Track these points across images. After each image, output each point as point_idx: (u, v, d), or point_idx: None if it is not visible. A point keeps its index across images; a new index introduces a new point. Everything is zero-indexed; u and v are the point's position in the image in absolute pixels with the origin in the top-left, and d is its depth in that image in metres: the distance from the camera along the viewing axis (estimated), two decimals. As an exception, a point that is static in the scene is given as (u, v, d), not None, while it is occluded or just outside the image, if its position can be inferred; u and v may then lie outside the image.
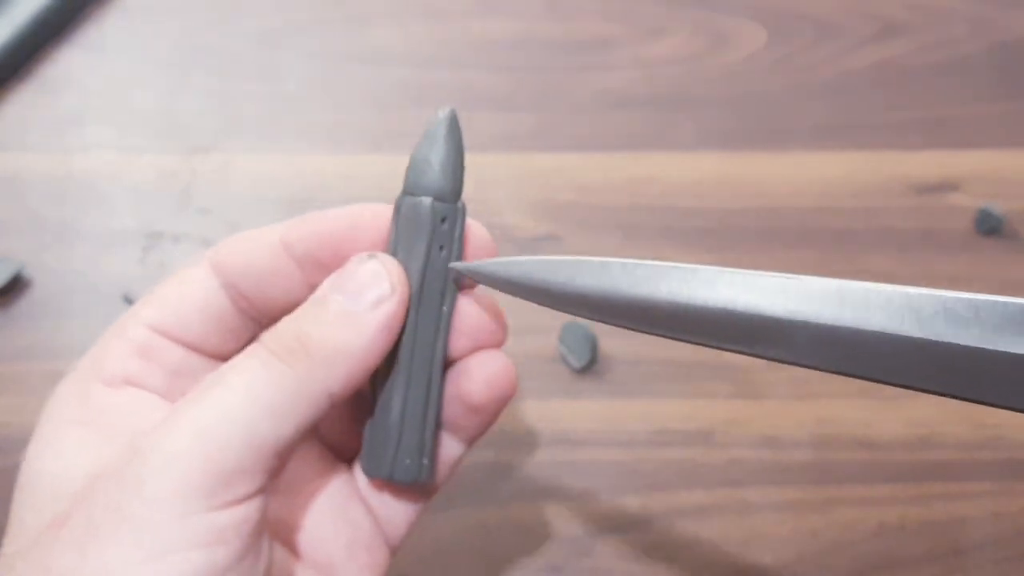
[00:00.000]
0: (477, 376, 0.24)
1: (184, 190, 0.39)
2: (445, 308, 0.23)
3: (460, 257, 0.24)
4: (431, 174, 0.23)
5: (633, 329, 0.21)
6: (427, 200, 0.23)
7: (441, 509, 0.34)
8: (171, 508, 0.19)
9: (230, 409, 0.20)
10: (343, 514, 0.25)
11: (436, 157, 0.23)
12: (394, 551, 0.25)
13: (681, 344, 0.21)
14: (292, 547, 0.24)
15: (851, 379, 0.19)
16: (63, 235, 0.39)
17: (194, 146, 0.40)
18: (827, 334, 0.19)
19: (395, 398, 0.23)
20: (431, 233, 0.23)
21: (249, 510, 0.20)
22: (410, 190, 0.23)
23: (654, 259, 0.21)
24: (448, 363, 0.24)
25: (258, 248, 0.24)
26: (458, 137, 0.23)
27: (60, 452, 0.22)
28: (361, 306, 0.22)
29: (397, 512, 0.25)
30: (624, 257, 0.21)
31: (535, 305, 0.23)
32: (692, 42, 0.43)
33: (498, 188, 0.39)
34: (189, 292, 0.24)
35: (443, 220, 0.23)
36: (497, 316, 0.24)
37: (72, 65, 0.42)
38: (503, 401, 0.24)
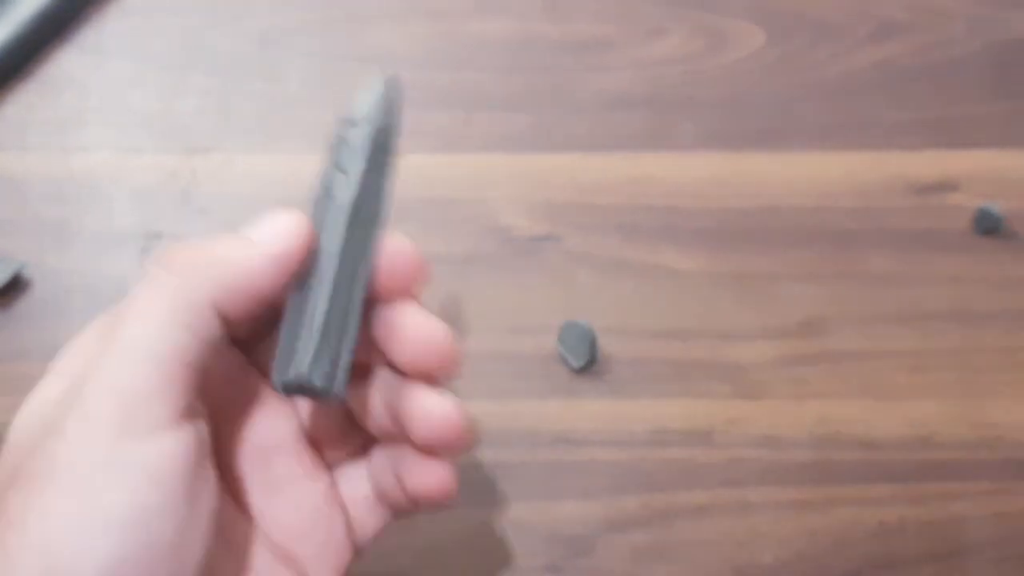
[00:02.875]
0: (412, 336, 0.24)
1: (184, 190, 0.39)
2: (375, 231, 0.24)
3: (391, 175, 0.25)
4: (368, 103, 0.25)
5: None
6: (364, 126, 0.25)
7: (441, 509, 0.34)
8: (95, 448, 0.20)
9: (127, 334, 0.21)
10: (320, 515, 0.25)
11: (374, 95, 0.25)
12: (359, 555, 0.26)
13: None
14: (267, 539, 0.24)
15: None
16: (63, 235, 0.39)
17: (194, 146, 0.40)
18: None
19: (318, 308, 0.23)
20: (367, 154, 0.24)
21: (174, 445, 0.20)
22: (347, 119, 0.25)
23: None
24: (372, 298, 0.24)
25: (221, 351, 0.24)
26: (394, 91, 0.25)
27: (28, 403, 0.23)
28: (260, 236, 0.23)
29: (371, 518, 0.26)
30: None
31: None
32: (691, 42, 0.43)
33: (498, 188, 0.39)
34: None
35: (382, 145, 0.25)
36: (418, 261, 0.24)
37: (72, 65, 0.42)
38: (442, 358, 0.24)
